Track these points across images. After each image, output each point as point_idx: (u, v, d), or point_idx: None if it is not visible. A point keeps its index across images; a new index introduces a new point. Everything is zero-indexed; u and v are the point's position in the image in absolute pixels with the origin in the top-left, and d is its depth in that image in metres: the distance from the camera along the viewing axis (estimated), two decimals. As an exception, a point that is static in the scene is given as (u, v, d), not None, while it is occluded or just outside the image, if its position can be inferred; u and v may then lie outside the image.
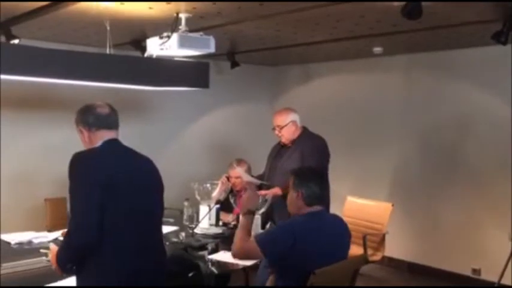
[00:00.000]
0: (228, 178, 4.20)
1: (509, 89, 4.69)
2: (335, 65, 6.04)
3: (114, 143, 2.53)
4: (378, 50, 4.98)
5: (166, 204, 5.38)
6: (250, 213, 2.71)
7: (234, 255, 2.67)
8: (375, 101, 5.71)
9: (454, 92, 5.08)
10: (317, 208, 2.72)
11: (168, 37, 3.39)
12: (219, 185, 4.01)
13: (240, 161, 4.22)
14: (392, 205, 4.35)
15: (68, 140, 5.26)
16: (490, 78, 4.84)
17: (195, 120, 6.31)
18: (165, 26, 3.58)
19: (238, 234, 2.65)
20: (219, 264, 3.03)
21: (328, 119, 5.82)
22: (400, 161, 5.51)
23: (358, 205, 4.45)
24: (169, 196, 5.33)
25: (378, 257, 4.19)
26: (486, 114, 4.87)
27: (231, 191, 4.04)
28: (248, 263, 3.05)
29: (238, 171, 3.97)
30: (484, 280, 4.86)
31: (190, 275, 2.76)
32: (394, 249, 5.01)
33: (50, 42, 4.67)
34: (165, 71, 3.42)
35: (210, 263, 3.03)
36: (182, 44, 3.37)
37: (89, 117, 2.48)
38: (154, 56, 3.47)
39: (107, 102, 2.57)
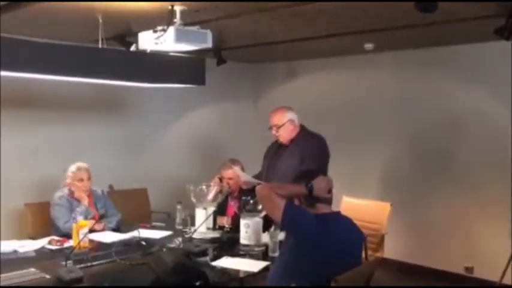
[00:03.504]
0: (220, 179, 4.02)
1: (500, 86, 4.68)
2: (321, 62, 5.93)
3: None
4: (369, 46, 4.88)
5: (152, 207, 5.20)
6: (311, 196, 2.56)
7: (260, 191, 2.68)
8: (364, 99, 5.63)
9: (445, 89, 5.03)
10: (325, 210, 2.61)
11: (164, 31, 3.20)
12: (212, 187, 3.83)
13: (234, 161, 4.05)
14: (391, 205, 4.27)
15: (47, 141, 5.01)
16: (482, 75, 4.80)
17: (176, 119, 6.10)
18: (155, 20, 3.38)
19: (285, 186, 2.64)
20: (224, 271, 2.86)
21: (315, 117, 5.63)
22: (391, 159, 5.44)
23: (355, 205, 4.33)
24: (154, 198, 5.20)
25: (376, 258, 4.10)
26: (477, 112, 4.84)
27: (230, 193, 3.87)
28: (254, 269, 2.89)
29: (236, 171, 3.81)
30: (477, 278, 4.84)
31: (197, 284, 2.57)
32: (384, 248, 4.94)
33: (24, 37, 4.38)
34: (161, 67, 3.24)
35: (214, 271, 2.85)
36: (179, 38, 3.18)
37: None
38: (148, 51, 3.26)
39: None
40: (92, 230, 3.33)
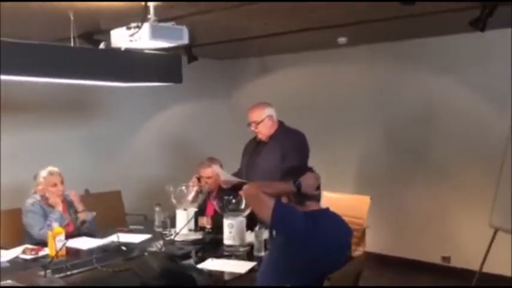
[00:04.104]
0: (198, 179, 3.94)
1: (476, 77, 4.74)
2: (294, 57, 5.89)
3: None
4: (342, 40, 4.87)
5: (126, 210, 5.06)
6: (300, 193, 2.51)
7: (247, 190, 2.67)
8: (339, 93, 5.62)
9: (420, 81, 5.07)
10: (314, 207, 2.57)
11: (138, 27, 3.07)
12: (191, 187, 3.74)
13: (212, 160, 3.97)
14: (371, 198, 4.26)
15: (12, 145, 4.79)
16: (457, 67, 4.86)
17: (147, 119, 5.96)
18: (124, 17, 3.25)
19: (272, 184, 2.60)
20: (211, 274, 2.78)
21: (289, 112, 5.61)
22: (366, 152, 5.46)
23: (334, 200, 4.29)
24: (128, 201, 5.05)
25: (359, 252, 4.09)
26: (452, 103, 4.90)
27: (210, 192, 3.78)
28: (242, 270, 2.83)
29: (215, 169, 3.73)
30: (454, 267, 4.91)
31: (185, 288, 2.49)
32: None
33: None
34: (137, 65, 3.11)
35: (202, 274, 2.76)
36: (154, 34, 3.05)
37: None
38: (123, 49, 3.14)
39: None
40: (67, 236, 3.21)
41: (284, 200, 2.54)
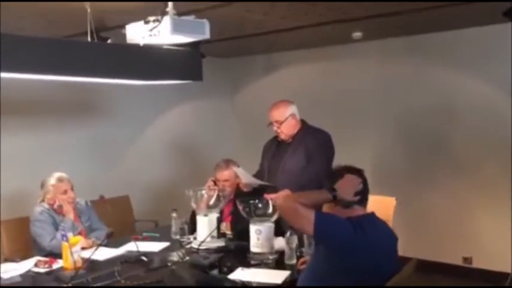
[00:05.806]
0: (214, 182, 3.73)
1: (492, 71, 4.59)
2: (302, 53, 5.70)
3: None
4: (358, 35, 4.69)
5: (136, 216, 4.83)
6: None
7: (283, 204, 2.41)
8: (350, 90, 5.44)
9: (435, 76, 4.91)
10: (360, 212, 2.38)
11: (158, 21, 2.86)
12: (211, 191, 3.53)
13: (230, 161, 3.76)
14: (396, 199, 4.08)
15: (19, 148, 4.52)
16: (473, 60, 4.70)
17: (151, 120, 5.73)
18: (136, 13, 3.05)
19: (307, 195, 2.37)
20: (245, 286, 2.57)
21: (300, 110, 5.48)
22: (381, 150, 5.29)
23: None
24: (135, 206, 4.82)
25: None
26: (469, 98, 4.75)
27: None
28: (278, 280, 2.62)
29: (238, 171, 3.52)
30: (476, 268, 4.75)
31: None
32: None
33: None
34: (157, 62, 2.89)
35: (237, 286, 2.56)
36: (175, 29, 2.83)
37: None
38: (141, 45, 2.91)
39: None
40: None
41: (330, 206, 2.34)
